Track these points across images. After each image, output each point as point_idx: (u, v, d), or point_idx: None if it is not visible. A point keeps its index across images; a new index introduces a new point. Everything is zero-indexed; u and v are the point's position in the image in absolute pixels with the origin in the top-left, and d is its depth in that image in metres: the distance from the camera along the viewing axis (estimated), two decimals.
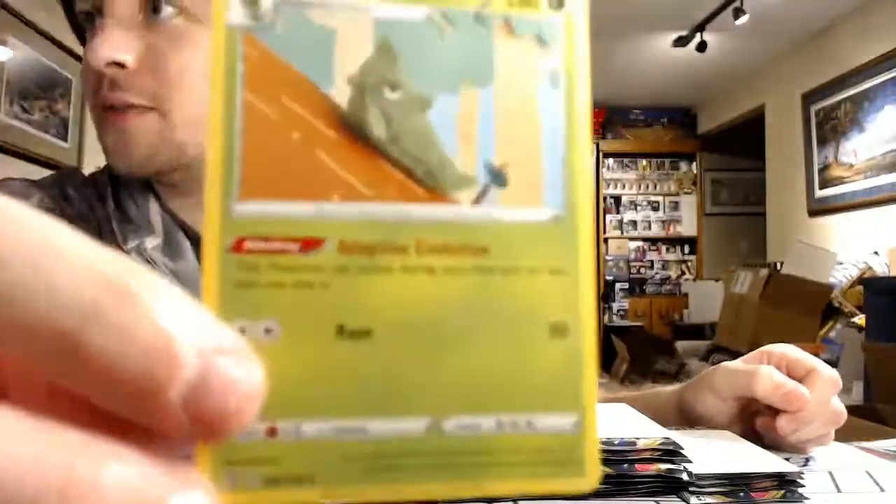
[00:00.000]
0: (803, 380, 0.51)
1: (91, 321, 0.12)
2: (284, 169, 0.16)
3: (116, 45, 0.48)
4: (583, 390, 0.17)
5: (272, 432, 0.15)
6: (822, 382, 0.50)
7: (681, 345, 3.76)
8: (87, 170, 0.60)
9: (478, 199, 0.17)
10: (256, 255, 0.16)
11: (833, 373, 0.52)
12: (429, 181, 0.17)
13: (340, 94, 0.16)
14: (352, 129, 0.16)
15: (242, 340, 0.13)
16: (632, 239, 5.42)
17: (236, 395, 0.12)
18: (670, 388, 0.60)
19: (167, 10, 0.49)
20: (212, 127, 0.16)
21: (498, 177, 0.17)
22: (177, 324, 0.12)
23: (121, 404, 0.12)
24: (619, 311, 5.26)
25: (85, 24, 0.53)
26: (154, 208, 0.55)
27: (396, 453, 0.16)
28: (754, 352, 0.56)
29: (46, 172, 0.61)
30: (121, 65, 0.49)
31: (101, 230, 0.54)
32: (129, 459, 0.12)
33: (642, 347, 3.83)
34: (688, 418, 0.56)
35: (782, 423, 0.49)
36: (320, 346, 0.16)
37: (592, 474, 0.17)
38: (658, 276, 5.38)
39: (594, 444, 0.17)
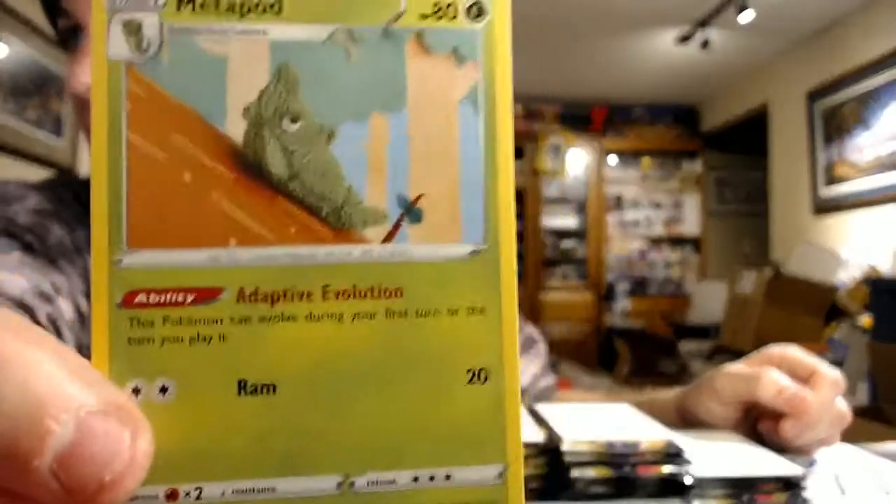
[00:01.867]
0: (806, 381, 0.50)
1: None
2: (175, 214, 0.15)
3: None
4: (506, 438, 0.16)
5: (172, 496, 0.15)
6: (826, 384, 0.50)
7: (684, 345, 3.73)
8: (83, 167, 0.60)
9: (389, 237, 0.16)
10: (149, 310, 0.15)
11: (836, 373, 0.51)
12: (335, 220, 0.16)
13: (234, 129, 0.15)
14: (248, 166, 0.15)
15: (132, 401, 0.13)
16: (634, 238, 5.39)
17: (116, 462, 0.12)
18: (671, 393, 0.59)
19: None
20: (94, 172, 0.15)
21: (411, 211, 0.16)
22: (50, 385, 0.11)
23: None
24: (620, 311, 5.23)
25: (69, 38, 0.52)
26: None
27: None
28: (755, 353, 0.55)
29: (41, 170, 0.61)
30: None
31: None
32: None
33: (644, 348, 3.81)
34: (689, 423, 0.55)
35: (787, 428, 0.48)
36: (220, 404, 0.15)
37: None
38: (661, 276, 5.34)
39: (519, 495, 0.16)
